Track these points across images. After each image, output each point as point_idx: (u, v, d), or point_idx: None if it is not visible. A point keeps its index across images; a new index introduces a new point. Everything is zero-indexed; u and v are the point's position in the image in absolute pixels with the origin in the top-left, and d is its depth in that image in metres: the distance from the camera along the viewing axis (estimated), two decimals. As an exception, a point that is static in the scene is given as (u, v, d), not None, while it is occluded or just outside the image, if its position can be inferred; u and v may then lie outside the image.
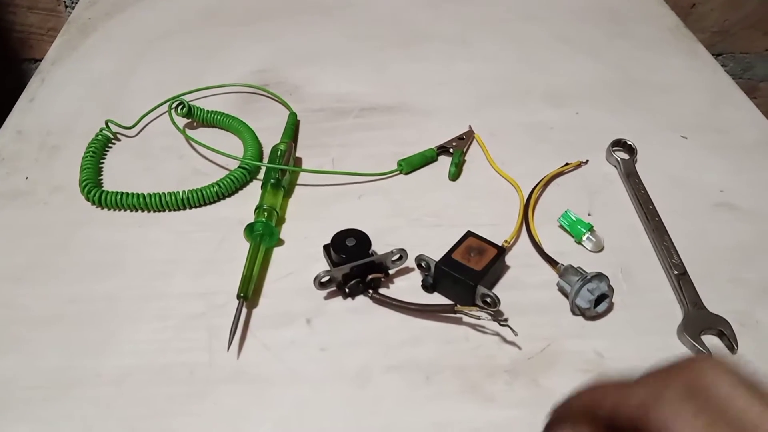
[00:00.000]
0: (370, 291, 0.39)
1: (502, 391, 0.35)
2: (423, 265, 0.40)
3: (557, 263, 0.41)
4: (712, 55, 0.65)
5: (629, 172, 0.49)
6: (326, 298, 0.40)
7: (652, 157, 0.51)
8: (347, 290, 0.39)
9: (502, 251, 0.40)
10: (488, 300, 0.37)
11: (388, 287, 0.41)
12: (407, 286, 0.41)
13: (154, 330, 0.38)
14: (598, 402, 0.20)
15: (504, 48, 0.65)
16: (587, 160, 0.51)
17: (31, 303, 0.39)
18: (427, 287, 0.40)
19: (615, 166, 0.50)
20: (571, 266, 0.40)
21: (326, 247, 0.41)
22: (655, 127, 0.55)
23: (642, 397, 0.17)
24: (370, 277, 0.39)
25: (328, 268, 0.41)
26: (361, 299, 0.40)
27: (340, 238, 0.41)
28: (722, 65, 1.07)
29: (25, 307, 0.39)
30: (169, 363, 0.36)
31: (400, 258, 0.40)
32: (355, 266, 0.39)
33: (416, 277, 0.41)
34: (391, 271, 0.41)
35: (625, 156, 0.51)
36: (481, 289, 0.38)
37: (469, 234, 0.41)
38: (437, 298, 0.40)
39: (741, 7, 1.02)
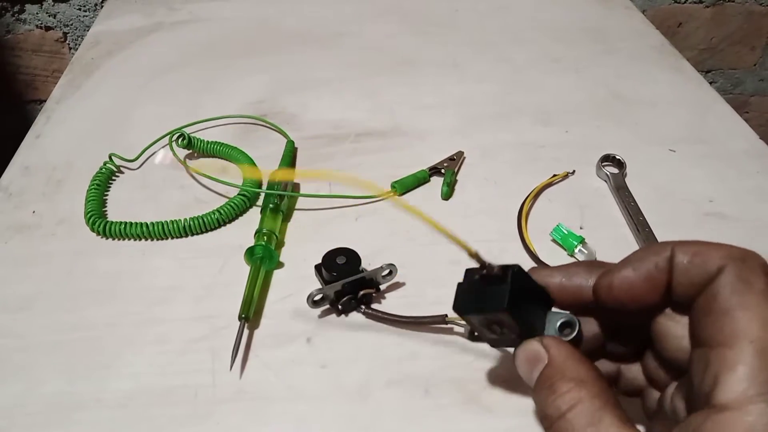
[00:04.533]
0: (363, 307, 0.40)
1: (500, 402, 0.36)
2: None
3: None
4: (701, 72, 0.67)
5: (619, 186, 0.50)
6: (320, 316, 0.41)
7: (641, 170, 0.52)
8: (340, 307, 0.40)
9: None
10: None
11: (380, 303, 0.42)
12: (399, 301, 0.42)
13: (156, 353, 0.39)
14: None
15: (493, 69, 0.67)
16: (573, 171, 0.52)
17: (34, 331, 0.40)
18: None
19: (605, 181, 0.52)
20: None
21: (317, 267, 0.42)
22: (643, 141, 0.56)
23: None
24: (361, 293, 0.40)
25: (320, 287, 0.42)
26: (359, 318, 0.41)
27: (331, 257, 0.41)
28: (712, 82, 1.09)
29: (28, 335, 0.40)
30: (171, 385, 0.37)
31: (390, 273, 0.41)
32: (346, 283, 0.39)
33: (407, 291, 0.42)
34: (382, 287, 0.42)
35: (615, 170, 0.52)
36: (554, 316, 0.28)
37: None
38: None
39: (726, 24, 1.05)
